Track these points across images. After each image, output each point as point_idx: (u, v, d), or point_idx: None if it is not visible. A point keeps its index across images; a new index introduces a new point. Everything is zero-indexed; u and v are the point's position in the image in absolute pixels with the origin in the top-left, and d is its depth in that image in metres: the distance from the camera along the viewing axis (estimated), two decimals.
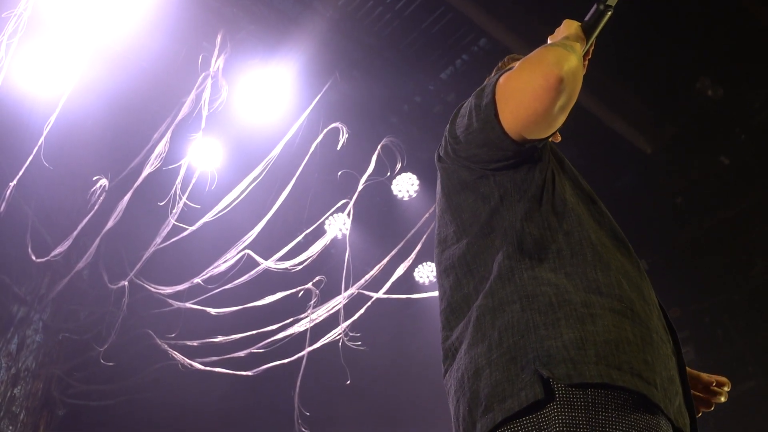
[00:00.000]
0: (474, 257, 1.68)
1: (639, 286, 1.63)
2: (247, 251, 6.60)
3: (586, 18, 1.93)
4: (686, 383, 1.63)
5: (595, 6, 1.89)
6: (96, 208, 6.38)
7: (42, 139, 5.89)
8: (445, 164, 1.84)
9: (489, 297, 1.57)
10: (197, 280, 6.69)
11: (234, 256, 6.63)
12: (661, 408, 1.43)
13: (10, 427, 7.51)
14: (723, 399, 2.08)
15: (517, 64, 1.72)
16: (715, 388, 2.07)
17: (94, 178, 6.40)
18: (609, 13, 1.88)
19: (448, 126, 1.84)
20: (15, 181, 6.17)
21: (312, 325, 6.79)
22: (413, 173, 8.43)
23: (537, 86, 1.57)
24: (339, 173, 6.90)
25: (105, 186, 6.33)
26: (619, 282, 1.57)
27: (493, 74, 2.19)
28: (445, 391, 1.69)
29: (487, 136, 1.65)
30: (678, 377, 1.60)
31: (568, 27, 1.91)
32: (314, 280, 6.80)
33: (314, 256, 6.74)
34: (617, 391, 1.39)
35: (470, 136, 1.70)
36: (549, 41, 1.93)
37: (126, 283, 6.83)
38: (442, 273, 1.78)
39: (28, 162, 6.00)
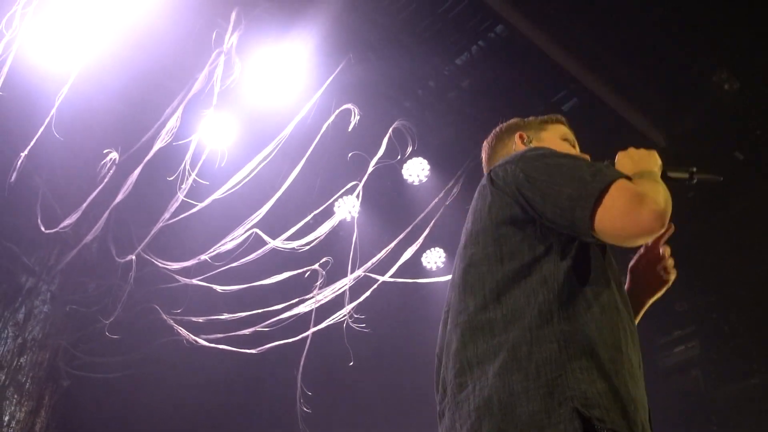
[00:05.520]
0: (506, 288, 1.82)
1: (637, 347, 1.89)
2: (255, 230, 6.61)
3: (673, 170, 2.13)
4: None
5: (687, 174, 2.14)
6: (106, 181, 6.40)
7: (54, 110, 5.90)
8: (501, 193, 1.94)
9: (527, 331, 1.71)
10: (204, 256, 6.71)
11: (242, 235, 6.64)
12: None
13: (16, 396, 7.58)
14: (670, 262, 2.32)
15: (634, 187, 1.82)
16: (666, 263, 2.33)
17: (105, 152, 6.41)
18: (687, 182, 2.13)
19: (521, 163, 1.95)
20: (26, 152, 6.19)
21: (317, 305, 6.81)
22: (424, 158, 8.41)
23: (646, 225, 1.77)
24: (349, 155, 6.87)
25: (115, 159, 6.34)
26: (627, 344, 1.81)
27: (498, 140, 2.49)
28: (447, 391, 1.84)
29: (572, 220, 1.79)
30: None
31: (655, 162, 2.09)
32: (321, 261, 6.81)
33: (322, 237, 6.74)
34: None
35: (555, 205, 1.82)
36: (635, 162, 2.08)
37: (134, 257, 6.87)
38: (467, 288, 1.90)
39: (39, 133, 6.01)
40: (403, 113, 7.66)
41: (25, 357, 7.77)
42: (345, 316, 6.79)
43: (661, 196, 1.81)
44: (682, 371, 8.97)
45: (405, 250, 7.05)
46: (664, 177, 2.07)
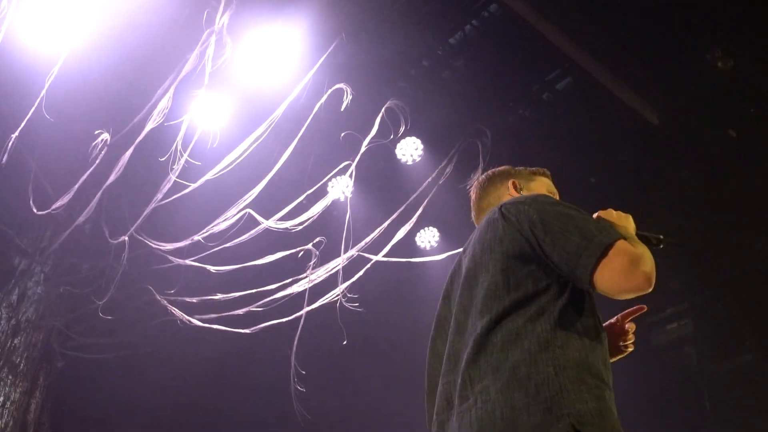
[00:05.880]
0: (508, 314, 2.04)
1: (611, 372, 2.15)
2: (248, 210, 6.59)
3: (643, 232, 2.37)
4: None
5: (656, 239, 2.40)
6: (97, 162, 6.36)
7: (44, 91, 5.86)
8: (513, 229, 2.16)
9: (526, 354, 1.94)
10: (198, 237, 6.70)
11: (235, 215, 6.63)
12: None
13: (10, 377, 7.60)
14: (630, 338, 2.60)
15: (627, 248, 2.08)
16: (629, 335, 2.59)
17: (96, 132, 6.37)
18: (654, 246, 2.35)
19: (535, 205, 2.19)
20: (17, 133, 6.15)
21: (311, 285, 6.81)
22: (418, 138, 8.39)
23: (639, 285, 2.04)
24: (342, 135, 6.85)
25: (107, 140, 6.29)
26: (608, 371, 2.09)
27: (489, 182, 2.77)
28: (453, 402, 2.05)
29: (575, 267, 2.04)
30: None
31: (631, 225, 2.36)
32: (314, 241, 6.80)
33: (315, 217, 6.73)
34: None
35: (564, 250, 2.06)
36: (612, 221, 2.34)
37: (126, 238, 6.84)
38: (480, 312, 2.10)
39: (30, 113, 5.97)
40: (397, 93, 7.64)
41: (19, 338, 7.77)
42: (338, 295, 6.79)
43: (651, 260, 2.08)
44: (675, 348, 9.02)
45: (398, 229, 7.05)
46: (638, 236, 2.33)
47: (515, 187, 2.68)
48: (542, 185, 2.74)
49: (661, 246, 2.43)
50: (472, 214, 2.81)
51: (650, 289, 2.05)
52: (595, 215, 2.36)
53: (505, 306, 2.05)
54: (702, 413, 8.23)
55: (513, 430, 1.83)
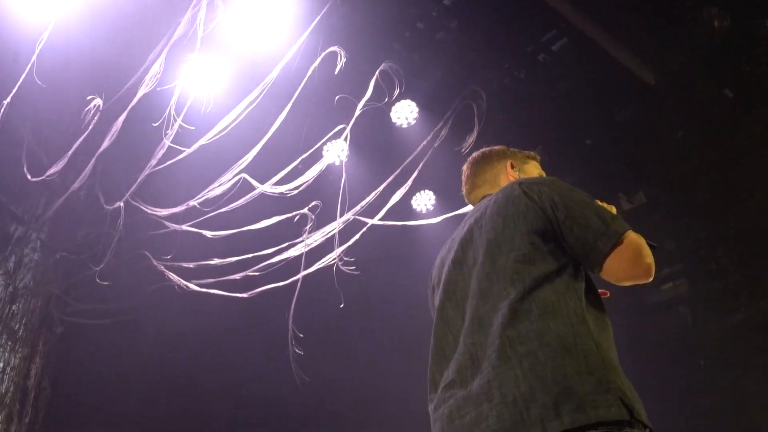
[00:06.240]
0: (538, 286, 2.16)
1: None
2: (243, 175, 6.58)
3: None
4: None
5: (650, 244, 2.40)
6: (90, 128, 6.32)
7: (34, 56, 5.80)
8: (536, 207, 2.29)
9: (569, 326, 2.08)
10: (193, 202, 6.69)
11: (230, 180, 6.61)
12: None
13: (9, 343, 7.64)
14: None
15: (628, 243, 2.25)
16: None
17: (88, 98, 6.32)
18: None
19: (555, 187, 2.34)
20: (8, 99, 6.10)
21: (307, 249, 6.82)
22: (412, 100, 8.35)
23: (643, 274, 2.24)
24: (336, 98, 6.80)
25: (99, 106, 6.25)
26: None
27: (493, 161, 2.86)
28: (478, 361, 2.14)
29: (590, 251, 2.22)
30: None
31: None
32: (310, 205, 6.80)
33: (310, 182, 6.72)
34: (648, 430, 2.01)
35: (581, 234, 2.23)
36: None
37: (122, 204, 6.84)
38: (506, 280, 2.21)
39: (21, 80, 5.92)
40: (391, 55, 7.58)
41: (17, 305, 7.80)
42: (335, 259, 6.81)
43: (649, 251, 2.25)
44: (670, 308, 9.09)
45: (394, 192, 7.04)
46: None
47: (513, 167, 2.80)
48: (535, 169, 2.86)
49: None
50: (464, 188, 2.90)
51: (650, 280, 2.25)
52: None
53: (533, 278, 2.17)
54: (697, 372, 8.31)
55: (567, 394, 1.93)
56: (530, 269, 2.20)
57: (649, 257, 2.23)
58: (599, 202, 2.46)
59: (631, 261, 2.21)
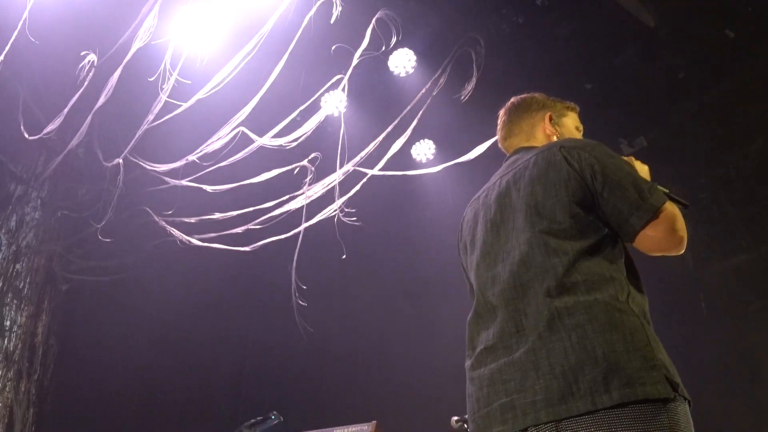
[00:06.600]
0: (583, 259, 2.19)
1: None
2: (242, 128, 6.54)
3: (672, 192, 2.44)
4: None
5: (667, 195, 2.39)
6: (86, 84, 6.26)
7: (26, 12, 5.72)
8: (576, 174, 2.29)
9: (615, 300, 2.12)
10: (192, 157, 6.66)
11: (228, 134, 6.57)
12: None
13: (15, 301, 7.70)
14: None
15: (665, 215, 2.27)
16: None
17: (82, 53, 6.25)
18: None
19: (595, 152, 2.33)
20: (2, 57, 6.03)
21: (308, 201, 6.82)
22: (410, 49, 8.25)
23: (675, 247, 2.27)
24: (333, 48, 6.72)
25: (94, 62, 6.18)
26: None
27: (532, 110, 2.81)
28: (525, 330, 2.18)
29: (624, 223, 2.24)
30: None
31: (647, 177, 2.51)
32: (309, 157, 6.77)
33: (309, 133, 6.68)
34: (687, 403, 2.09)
35: (617, 205, 2.24)
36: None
37: (121, 160, 6.81)
38: (550, 251, 2.24)
39: (13, 37, 5.84)
40: (387, 3, 7.45)
41: (21, 263, 7.84)
42: (336, 210, 6.81)
43: (684, 225, 2.26)
44: None
45: (393, 142, 7.01)
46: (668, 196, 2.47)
47: (551, 120, 2.75)
48: (572, 122, 2.82)
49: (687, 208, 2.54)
50: (499, 134, 2.86)
51: (681, 253, 2.29)
52: None
53: (576, 250, 2.20)
54: (698, 315, 8.37)
55: (615, 370, 1.99)
56: (573, 243, 2.22)
57: (682, 230, 2.24)
58: (633, 160, 2.50)
59: (665, 235, 2.23)
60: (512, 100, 2.87)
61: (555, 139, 2.67)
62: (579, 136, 2.77)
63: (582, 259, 2.19)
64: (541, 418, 2.03)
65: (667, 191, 2.43)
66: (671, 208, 2.25)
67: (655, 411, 1.96)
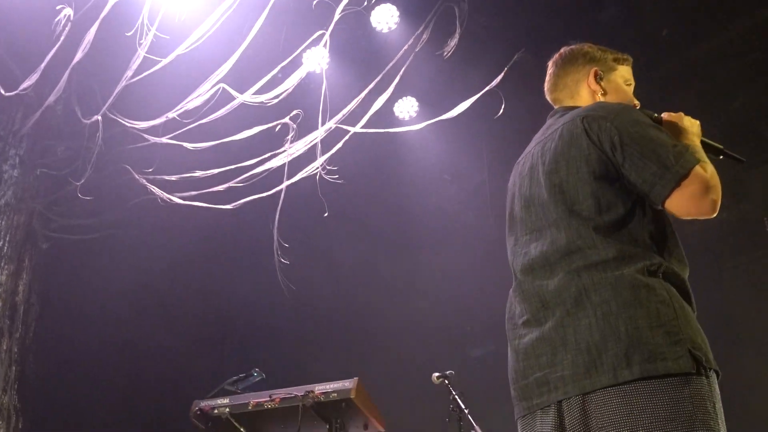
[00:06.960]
0: (609, 234, 2.22)
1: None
2: (222, 85, 6.45)
3: (708, 140, 2.44)
4: None
5: (721, 151, 2.49)
6: (62, 39, 6.14)
7: None
8: (596, 148, 2.28)
9: (641, 276, 2.13)
10: (172, 114, 6.58)
11: (209, 90, 6.49)
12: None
13: None
14: None
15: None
16: None
17: (58, 7, 6.11)
18: (715, 155, 2.46)
19: (617, 122, 2.27)
20: None
21: (290, 159, 6.78)
22: (393, 4, 8.16)
23: (706, 211, 2.21)
24: (314, 2, 6.63)
25: (70, 16, 6.05)
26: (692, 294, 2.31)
27: (578, 64, 2.71)
28: (549, 305, 2.25)
29: (650, 191, 2.20)
30: None
31: (699, 134, 2.47)
32: (291, 114, 6.71)
33: (290, 90, 6.61)
34: (716, 374, 2.12)
35: (639, 175, 2.21)
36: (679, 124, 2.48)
37: (99, 117, 6.71)
38: (573, 229, 2.28)
39: None
40: None
41: (0, 222, 7.77)
42: (318, 168, 6.78)
43: (719, 187, 2.21)
44: None
45: (376, 99, 6.95)
46: (703, 144, 2.43)
47: (596, 77, 2.65)
48: (622, 77, 2.70)
49: (721, 157, 2.53)
50: (546, 86, 2.80)
51: (714, 215, 2.22)
52: (664, 115, 2.49)
53: (603, 225, 2.23)
54: None
55: (637, 345, 2.05)
56: (597, 219, 2.24)
57: (714, 193, 2.19)
58: (674, 115, 2.47)
59: (695, 199, 2.18)
60: (561, 50, 2.80)
61: (599, 97, 2.62)
62: (628, 91, 2.69)
63: (608, 235, 2.22)
64: (569, 391, 2.12)
65: (720, 147, 2.43)
66: (701, 172, 2.19)
67: (678, 385, 2.01)
